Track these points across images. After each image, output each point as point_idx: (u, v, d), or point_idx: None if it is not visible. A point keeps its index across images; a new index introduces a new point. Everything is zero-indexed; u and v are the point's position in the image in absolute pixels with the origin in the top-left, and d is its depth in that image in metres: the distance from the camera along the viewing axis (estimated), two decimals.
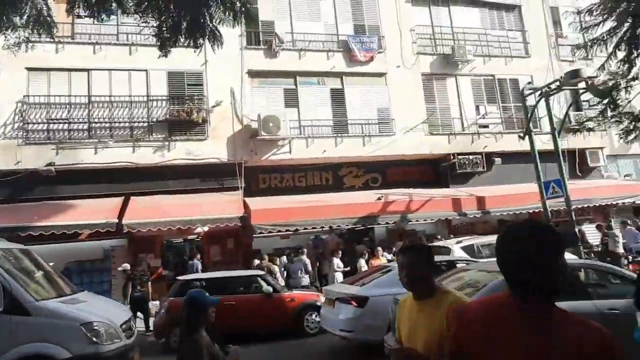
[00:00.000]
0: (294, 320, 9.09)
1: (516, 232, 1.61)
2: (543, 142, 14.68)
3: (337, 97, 14.88)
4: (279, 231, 12.98)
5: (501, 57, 16.91)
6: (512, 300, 1.57)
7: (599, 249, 14.13)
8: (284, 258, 12.94)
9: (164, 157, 12.78)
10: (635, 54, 4.45)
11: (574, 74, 11.42)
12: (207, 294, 3.07)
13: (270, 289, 9.14)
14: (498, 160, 15.82)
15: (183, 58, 10.76)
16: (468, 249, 10.12)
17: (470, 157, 15.45)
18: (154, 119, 13.04)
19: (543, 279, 1.49)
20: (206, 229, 12.65)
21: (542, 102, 13.99)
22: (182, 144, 13.05)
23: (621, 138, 5.22)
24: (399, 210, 13.61)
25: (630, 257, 13.31)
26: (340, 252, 13.10)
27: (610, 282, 5.88)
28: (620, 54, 4.43)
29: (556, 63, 16.75)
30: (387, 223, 13.71)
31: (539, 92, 14.24)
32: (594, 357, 1.40)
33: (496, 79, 16.75)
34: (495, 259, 1.66)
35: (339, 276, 12.28)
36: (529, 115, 14.36)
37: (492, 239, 11.24)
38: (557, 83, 13.17)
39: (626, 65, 4.62)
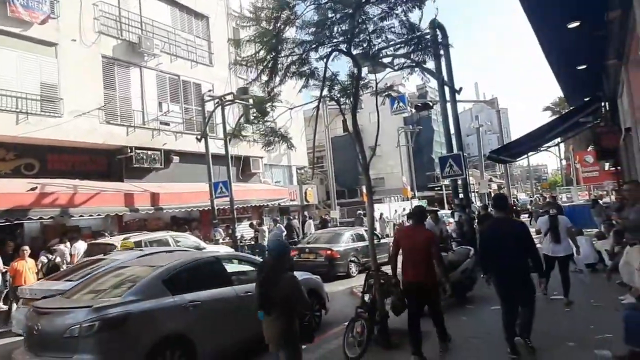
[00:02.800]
0: None
1: (416, 210, 5.80)
2: (218, 147, 16.16)
3: None
4: None
5: (188, 60, 17.55)
6: (415, 225, 5.36)
7: (252, 242, 16.65)
8: None
9: None
10: (275, 82, 5.57)
11: (244, 91, 13.16)
12: None
13: None
14: (176, 158, 16.28)
15: None
16: (135, 245, 9.84)
17: (149, 152, 15.24)
18: None
19: (421, 219, 5.39)
20: None
21: (219, 110, 15.45)
22: None
23: (263, 148, 6.34)
24: (59, 204, 11.86)
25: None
26: None
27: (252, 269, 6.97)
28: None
29: (234, 78, 18.79)
30: (41, 218, 11.65)
31: (217, 100, 15.66)
32: (428, 238, 5.13)
33: (181, 80, 17.25)
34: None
35: None
36: (206, 120, 15.53)
37: (162, 234, 11.44)
38: (232, 96, 14.85)
39: (267, 90, 5.71)
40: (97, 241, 11.03)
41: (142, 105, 15.66)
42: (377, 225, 23.01)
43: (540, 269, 5.18)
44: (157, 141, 15.69)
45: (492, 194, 47.29)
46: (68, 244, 11.17)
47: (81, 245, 11.08)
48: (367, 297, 5.87)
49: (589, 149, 23.65)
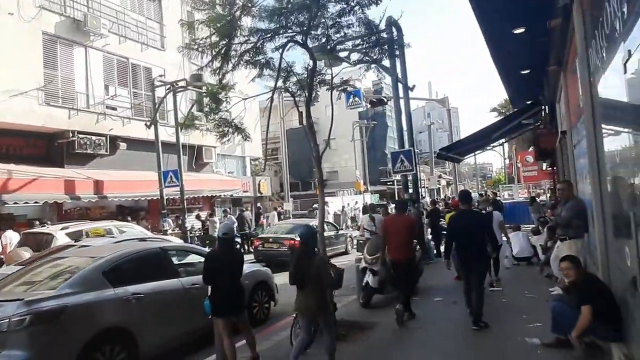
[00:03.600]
0: None
1: (400, 201, 8.14)
2: (169, 134, 15.62)
3: None
4: None
5: (138, 43, 16.77)
6: (398, 214, 6.67)
7: (202, 233, 16.29)
8: None
9: None
10: (227, 68, 5.41)
11: (198, 77, 12.77)
12: None
13: None
14: (123, 145, 15.58)
15: None
16: (75, 235, 9.35)
17: (93, 137, 14.48)
18: None
19: (404, 208, 6.83)
20: None
21: (171, 96, 14.92)
22: None
23: (217, 139, 6.19)
24: None
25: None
26: None
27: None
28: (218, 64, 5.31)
29: (187, 64, 18.14)
30: None
31: (169, 86, 15.10)
32: (409, 223, 6.54)
33: (130, 62, 16.46)
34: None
35: None
36: (157, 106, 14.95)
37: (105, 224, 10.93)
38: (184, 82, 14.38)
39: (218, 77, 5.54)
40: (32, 230, 10.38)
41: (86, 88, 14.81)
42: (331, 217, 23.24)
43: (495, 246, 6.76)
44: (102, 126, 14.92)
45: (441, 190, 49.07)
46: None
47: (12, 235, 10.35)
48: None
49: (530, 149, 25.03)
